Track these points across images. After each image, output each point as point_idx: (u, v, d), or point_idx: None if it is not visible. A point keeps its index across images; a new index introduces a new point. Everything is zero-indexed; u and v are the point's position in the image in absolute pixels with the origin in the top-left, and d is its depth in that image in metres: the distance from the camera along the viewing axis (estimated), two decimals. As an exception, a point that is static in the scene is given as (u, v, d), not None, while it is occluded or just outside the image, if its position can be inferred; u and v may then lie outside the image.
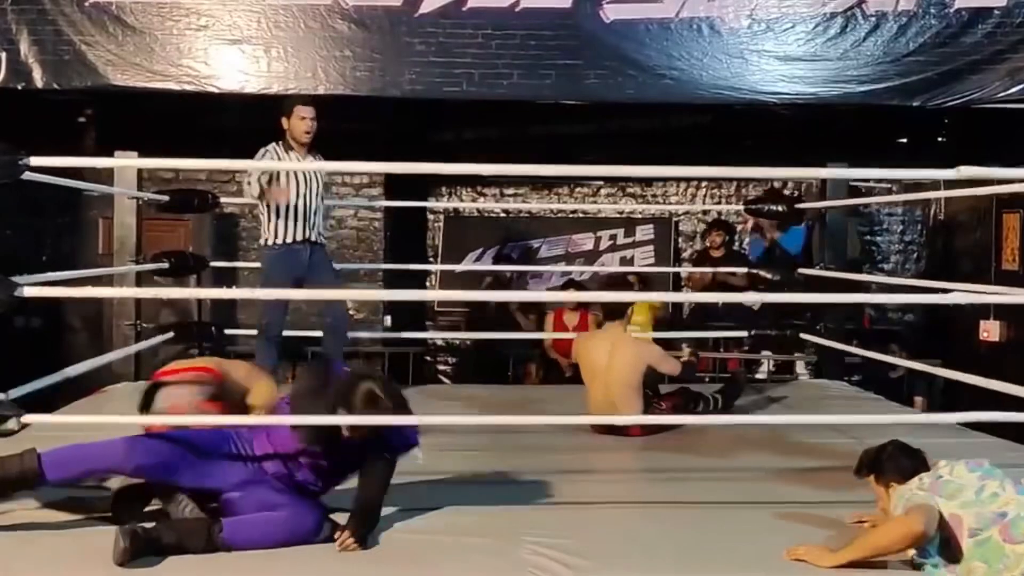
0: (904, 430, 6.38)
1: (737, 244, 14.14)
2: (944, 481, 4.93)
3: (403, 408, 5.30)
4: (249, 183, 8.64)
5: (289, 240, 8.74)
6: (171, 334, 10.05)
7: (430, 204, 14.62)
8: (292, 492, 5.26)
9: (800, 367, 12.80)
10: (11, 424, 5.30)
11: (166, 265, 9.69)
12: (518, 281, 13.90)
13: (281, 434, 5.38)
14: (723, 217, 14.35)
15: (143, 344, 9.75)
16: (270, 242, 8.81)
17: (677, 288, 14.38)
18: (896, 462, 5.27)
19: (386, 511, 5.61)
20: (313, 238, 8.82)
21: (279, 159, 8.64)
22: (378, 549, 5.07)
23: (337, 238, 14.49)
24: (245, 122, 11.51)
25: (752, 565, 4.95)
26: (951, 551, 4.78)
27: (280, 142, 8.72)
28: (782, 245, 12.41)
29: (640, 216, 15.06)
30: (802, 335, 10.63)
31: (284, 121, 8.71)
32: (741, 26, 11.01)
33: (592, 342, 8.33)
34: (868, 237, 15.00)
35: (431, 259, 14.75)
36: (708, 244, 13.43)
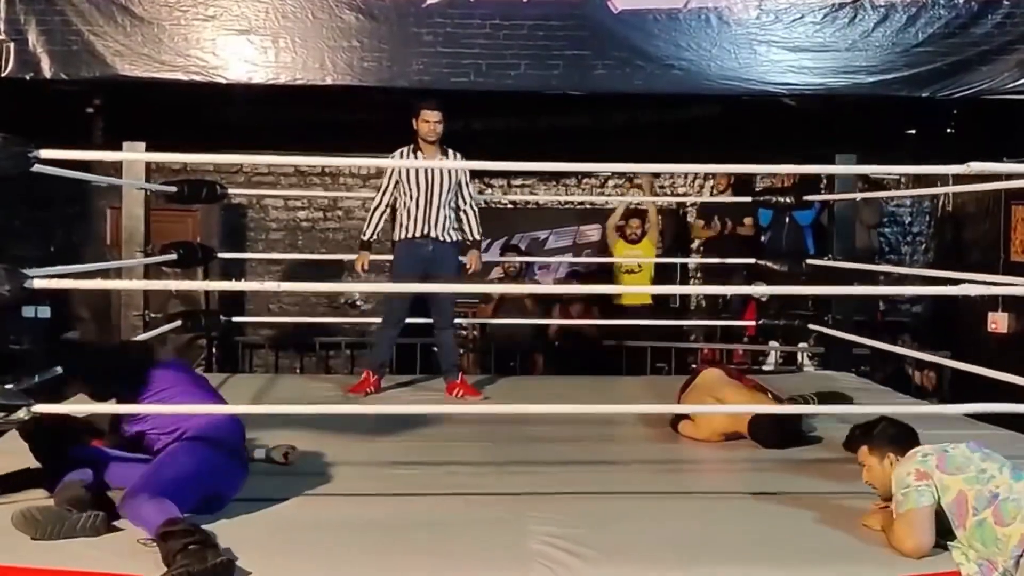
0: (912, 421, 6.39)
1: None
2: (950, 456, 5.00)
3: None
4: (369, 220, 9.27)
5: (412, 235, 9.02)
6: (179, 323, 10.08)
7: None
8: None
9: (802, 358, 12.80)
10: (21, 414, 5.30)
11: (174, 256, 9.69)
12: (526, 272, 13.89)
13: None
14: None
15: (151, 334, 9.76)
16: (397, 237, 9.16)
17: (685, 277, 14.39)
18: (888, 433, 5.39)
19: (392, 500, 5.64)
20: (436, 235, 9.00)
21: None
22: (387, 538, 5.07)
23: (344, 229, 14.51)
24: (253, 113, 11.54)
25: (761, 556, 4.95)
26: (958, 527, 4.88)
27: (412, 143, 9.04)
28: (793, 215, 12.36)
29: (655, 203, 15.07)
30: (810, 326, 10.63)
31: (413, 122, 9.02)
32: (750, 16, 10.98)
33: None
34: (876, 229, 14.98)
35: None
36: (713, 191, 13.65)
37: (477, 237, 9.31)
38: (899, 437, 5.34)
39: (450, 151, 9.10)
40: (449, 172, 9.00)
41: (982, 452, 5.05)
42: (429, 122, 8.88)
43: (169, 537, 4.73)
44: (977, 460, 4.98)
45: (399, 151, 9.10)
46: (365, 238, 9.34)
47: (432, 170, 8.95)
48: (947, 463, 4.94)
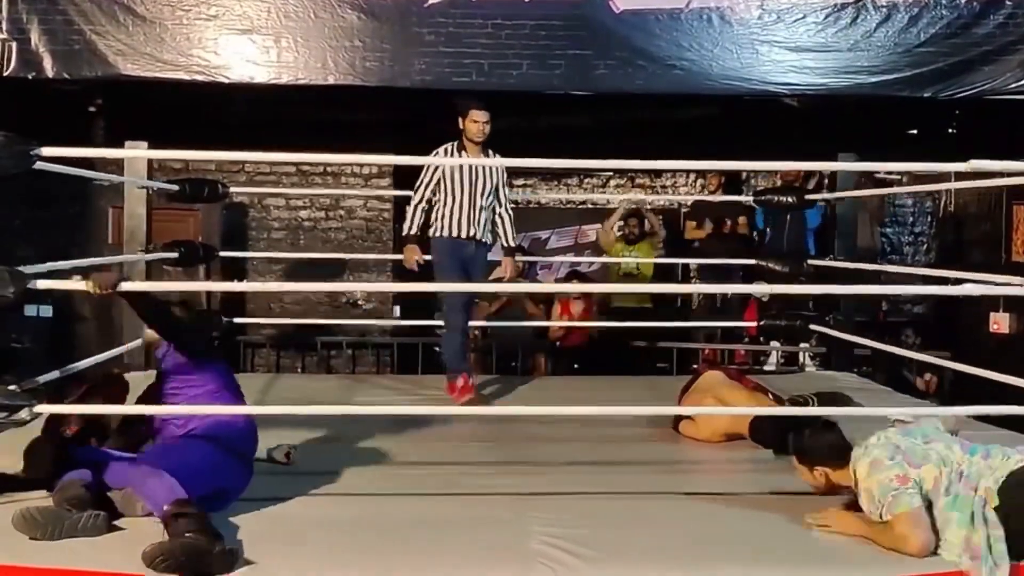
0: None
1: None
2: (909, 450, 5.08)
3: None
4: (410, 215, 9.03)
5: (455, 235, 8.89)
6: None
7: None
8: None
9: (804, 358, 12.78)
10: (23, 414, 5.30)
11: (176, 255, 9.68)
12: (528, 272, 13.89)
13: None
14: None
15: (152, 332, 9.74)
16: (437, 234, 8.99)
17: (686, 277, 14.40)
18: (817, 447, 5.47)
19: (392, 500, 5.65)
20: (475, 235, 8.89)
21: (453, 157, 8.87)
22: (388, 538, 5.07)
23: (346, 228, 14.50)
24: (255, 112, 11.55)
25: (761, 556, 4.94)
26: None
27: (456, 141, 8.86)
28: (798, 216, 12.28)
29: (650, 207, 15.07)
30: (812, 326, 10.63)
31: (460, 121, 8.81)
32: (751, 16, 11.01)
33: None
34: (881, 227, 15.00)
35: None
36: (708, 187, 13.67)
37: (512, 244, 9.16)
38: (830, 452, 5.35)
39: (490, 151, 8.89)
40: (490, 173, 8.86)
41: (921, 436, 5.19)
42: (478, 122, 8.66)
43: (179, 517, 4.76)
44: (925, 446, 5.09)
45: (443, 147, 8.88)
46: (411, 232, 9.04)
47: (475, 171, 8.80)
48: (913, 457, 4.99)
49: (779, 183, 13.08)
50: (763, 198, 10.80)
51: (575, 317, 12.45)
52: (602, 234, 13.59)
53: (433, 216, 9.01)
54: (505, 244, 9.10)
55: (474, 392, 8.88)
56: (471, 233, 8.87)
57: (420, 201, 8.98)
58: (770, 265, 10.52)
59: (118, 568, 4.65)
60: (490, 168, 8.85)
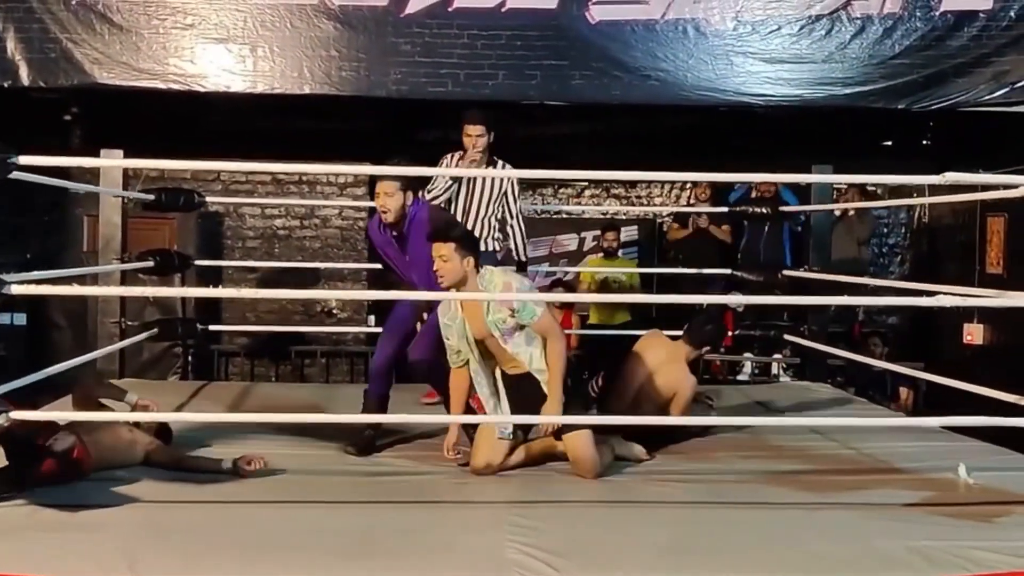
0: (887, 432, 6.41)
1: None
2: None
3: None
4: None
5: None
6: (155, 331, 10.07)
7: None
8: None
9: (776, 368, 12.81)
10: (-1, 419, 5.30)
11: (151, 263, 9.67)
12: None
13: None
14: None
15: (128, 341, 9.74)
16: None
17: (662, 288, 14.40)
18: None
19: (370, 508, 5.65)
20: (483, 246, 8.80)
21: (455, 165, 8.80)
22: (362, 547, 5.06)
23: (321, 237, 14.51)
24: (231, 121, 11.54)
25: (737, 565, 4.95)
26: None
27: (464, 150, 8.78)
28: (783, 196, 12.23)
29: (624, 217, 15.12)
30: (786, 336, 10.66)
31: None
32: (727, 28, 11.05)
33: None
34: (867, 244, 15.05)
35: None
36: (692, 198, 13.61)
37: (523, 259, 9.12)
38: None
39: (499, 161, 8.75)
40: (493, 182, 8.82)
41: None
42: (470, 136, 8.55)
43: None
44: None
45: (449, 155, 8.82)
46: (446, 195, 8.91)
47: (475, 183, 8.78)
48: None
49: (755, 195, 13.09)
50: (738, 209, 10.83)
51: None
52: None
53: None
54: (516, 257, 9.08)
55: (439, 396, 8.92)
56: None
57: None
58: (745, 275, 10.57)
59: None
60: (492, 179, 8.81)
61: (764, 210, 10.67)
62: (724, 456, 7.15)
